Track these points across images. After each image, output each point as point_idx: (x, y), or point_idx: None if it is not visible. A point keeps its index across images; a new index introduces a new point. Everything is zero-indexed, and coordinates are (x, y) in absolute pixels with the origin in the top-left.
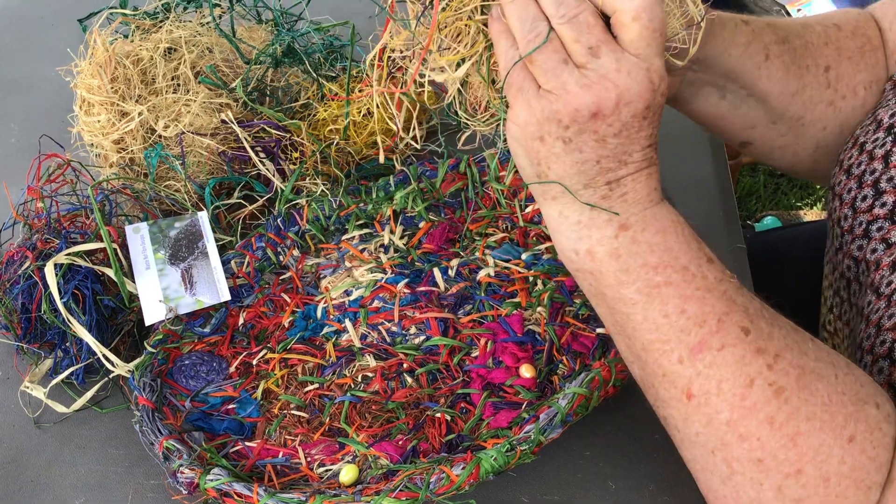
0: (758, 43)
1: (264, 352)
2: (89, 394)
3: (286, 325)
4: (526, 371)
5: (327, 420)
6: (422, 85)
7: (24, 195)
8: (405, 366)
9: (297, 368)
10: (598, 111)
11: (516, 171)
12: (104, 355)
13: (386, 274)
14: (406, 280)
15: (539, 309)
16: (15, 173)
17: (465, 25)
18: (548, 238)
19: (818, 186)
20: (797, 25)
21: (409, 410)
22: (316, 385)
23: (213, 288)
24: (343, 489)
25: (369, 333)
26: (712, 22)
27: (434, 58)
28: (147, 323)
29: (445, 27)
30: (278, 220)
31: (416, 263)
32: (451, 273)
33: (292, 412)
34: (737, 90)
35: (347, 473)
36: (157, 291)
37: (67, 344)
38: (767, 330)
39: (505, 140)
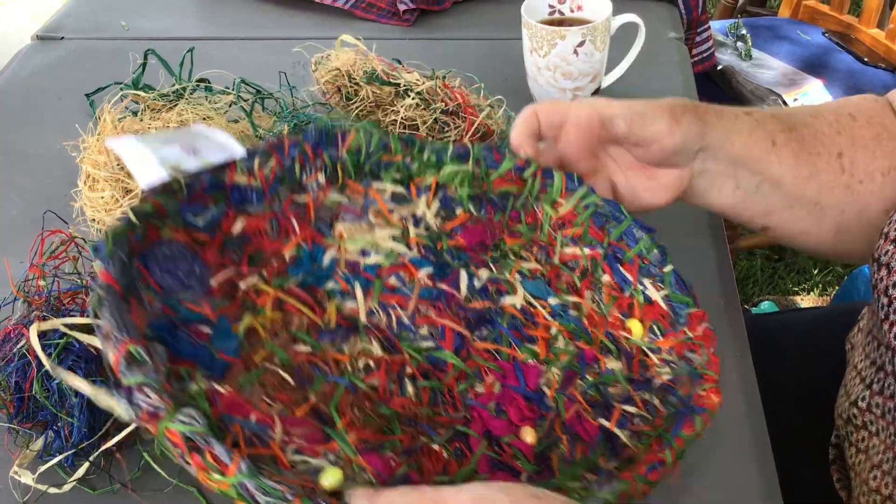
0: (761, 131)
1: (257, 279)
2: (79, 473)
3: (287, 259)
4: (527, 435)
5: (313, 399)
6: None
7: (25, 272)
8: (408, 370)
9: (293, 318)
10: None
11: (576, 204)
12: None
13: (411, 251)
14: (430, 269)
15: (554, 370)
16: (16, 247)
17: None
18: (578, 292)
19: (815, 271)
20: (806, 114)
21: (403, 426)
22: (309, 349)
23: (222, 148)
24: (321, 494)
25: (377, 312)
26: (708, 111)
27: None
28: (142, 184)
29: None
30: (321, 134)
31: (445, 255)
32: (478, 284)
33: (277, 370)
34: (749, 177)
35: (330, 478)
36: (150, 157)
37: (59, 425)
38: None
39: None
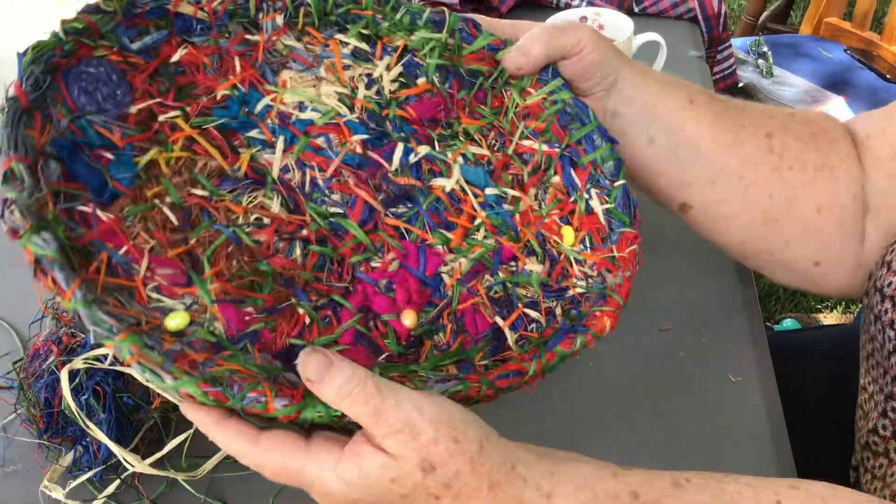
0: (679, 87)
1: (178, 114)
2: (109, 490)
3: (218, 98)
4: (407, 318)
5: (192, 242)
6: None
7: None
8: (304, 233)
9: (199, 161)
10: None
11: (545, 98)
12: (123, 456)
13: (352, 113)
14: (365, 137)
15: (462, 261)
16: None
17: None
18: (523, 188)
19: None
20: (736, 100)
21: (277, 286)
22: (205, 193)
23: None
24: (162, 335)
25: (293, 169)
26: (625, 56)
27: None
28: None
29: None
30: None
31: (387, 123)
32: (413, 159)
33: (163, 208)
34: (664, 134)
35: (175, 319)
36: None
37: (87, 440)
38: None
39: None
